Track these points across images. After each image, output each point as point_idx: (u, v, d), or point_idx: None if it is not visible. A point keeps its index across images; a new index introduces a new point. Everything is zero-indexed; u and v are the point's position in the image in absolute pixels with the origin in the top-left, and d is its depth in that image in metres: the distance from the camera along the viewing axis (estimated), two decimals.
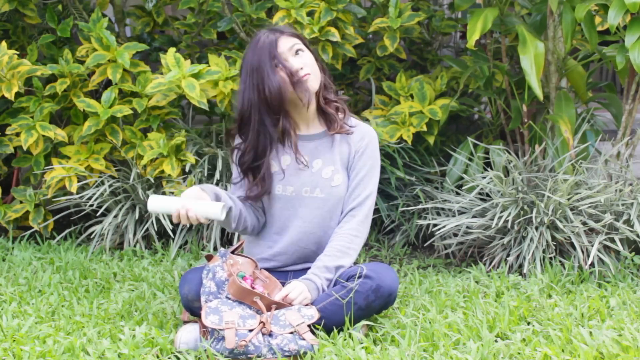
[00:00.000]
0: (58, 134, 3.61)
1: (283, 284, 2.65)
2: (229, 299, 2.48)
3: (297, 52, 2.66)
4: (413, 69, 4.13)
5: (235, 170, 2.79)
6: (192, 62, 3.72)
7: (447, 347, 2.40)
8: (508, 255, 3.30)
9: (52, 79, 3.76)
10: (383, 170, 3.72)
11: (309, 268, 2.71)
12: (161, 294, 2.98)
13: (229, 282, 2.49)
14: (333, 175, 2.71)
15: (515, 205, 3.26)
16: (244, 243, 2.82)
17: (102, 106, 3.58)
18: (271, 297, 2.52)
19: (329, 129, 2.73)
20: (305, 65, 2.65)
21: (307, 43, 2.72)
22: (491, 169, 3.54)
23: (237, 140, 2.75)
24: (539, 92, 3.21)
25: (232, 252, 2.60)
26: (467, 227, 3.39)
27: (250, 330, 2.40)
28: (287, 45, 2.65)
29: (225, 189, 3.61)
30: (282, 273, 2.72)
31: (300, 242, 2.73)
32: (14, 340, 2.51)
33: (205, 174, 3.63)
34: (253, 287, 2.54)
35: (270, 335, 2.40)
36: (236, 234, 3.57)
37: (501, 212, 3.28)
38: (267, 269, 2.71)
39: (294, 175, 2.72)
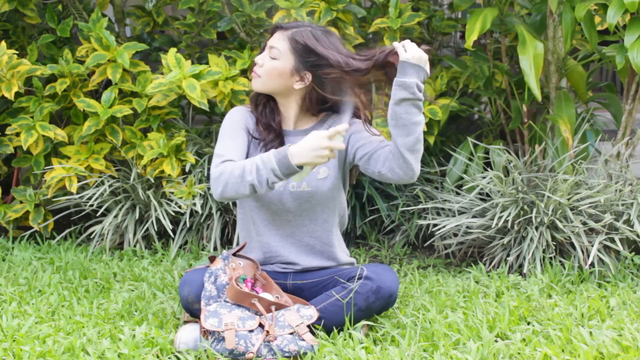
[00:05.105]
0: (58, 134, 3.61)
1: (281, 285, 2.65)
2: (227, 302, 2.49)
3: (270, 49, 2.65)
4: None
5: (237, 137, 2.69)
6: (192, 62, 3.72)
7: (447, 347, 2.40)
8: (508, 255, 3.30)
9: (52, 79, 3.76)
10: None
11: (308, 270, 2.71)
12: (161, 294, 2.98)
13: (228, 287, 2.49)
14: (318, 169, 2.67)
15: (515, 205, 3.26)
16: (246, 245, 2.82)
17: (102, 106, 3.57)
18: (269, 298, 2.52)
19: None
20: (260, 66, 2.66)
21: (303, 47, 2.62)
22: (491, 169, 3.54)
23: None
24: (537, 93, 3.21)
25: (234, 254, 2.60)
26: (467, 227, 3.39)
27: (250, 331, 2.40)
28: (272, 40, 2.66)
29: None
30: (282, 274, 2.72)
31: (294, 235, 2.69)
32: (14, 340, 2.51)
33: (205, 174, 3.63)
34: (254, 290, 2.54)
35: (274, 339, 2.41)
36: (236, 235, 3.57)
37: (501, 212, 3.28)
38: (268, 272, 2.70)
39: None
